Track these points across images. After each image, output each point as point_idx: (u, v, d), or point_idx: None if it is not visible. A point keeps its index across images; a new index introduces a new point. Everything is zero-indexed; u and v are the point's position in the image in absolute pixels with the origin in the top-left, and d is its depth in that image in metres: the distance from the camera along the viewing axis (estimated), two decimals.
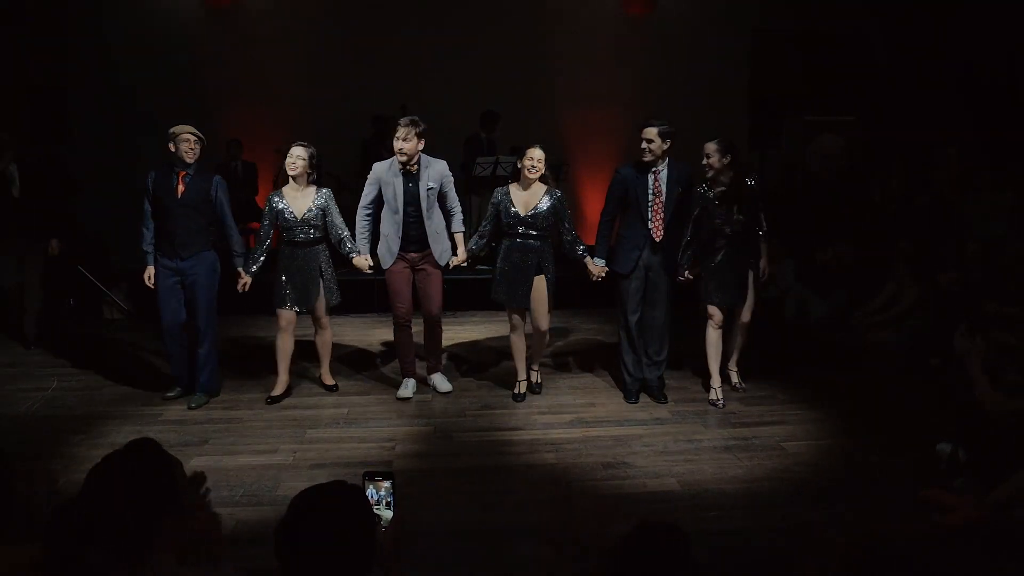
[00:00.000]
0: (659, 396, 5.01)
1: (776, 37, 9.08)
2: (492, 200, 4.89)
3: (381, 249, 4.91)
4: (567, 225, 4.86)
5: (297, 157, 4.79)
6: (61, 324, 6.75)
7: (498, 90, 9.02)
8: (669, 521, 1.83)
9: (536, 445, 4.35)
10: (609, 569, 1.76)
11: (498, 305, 5.08)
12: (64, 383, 5.35)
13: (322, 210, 4.85)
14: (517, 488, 3.83)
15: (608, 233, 5.03)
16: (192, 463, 3.95)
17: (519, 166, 4.79)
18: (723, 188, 4.75)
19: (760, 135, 8.82)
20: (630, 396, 5.03)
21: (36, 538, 1.70)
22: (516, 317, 4.96)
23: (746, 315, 5.01)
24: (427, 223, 4.81)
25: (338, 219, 4.90)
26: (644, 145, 4.69)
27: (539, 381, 5.21)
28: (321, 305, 4.98)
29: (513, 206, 4.78)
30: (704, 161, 4.76)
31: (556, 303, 5.05)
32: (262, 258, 4.89)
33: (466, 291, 7.01)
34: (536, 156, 4.71)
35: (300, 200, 4.84)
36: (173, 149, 4.67)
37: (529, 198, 4.78)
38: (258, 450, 4.27)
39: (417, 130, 4.67)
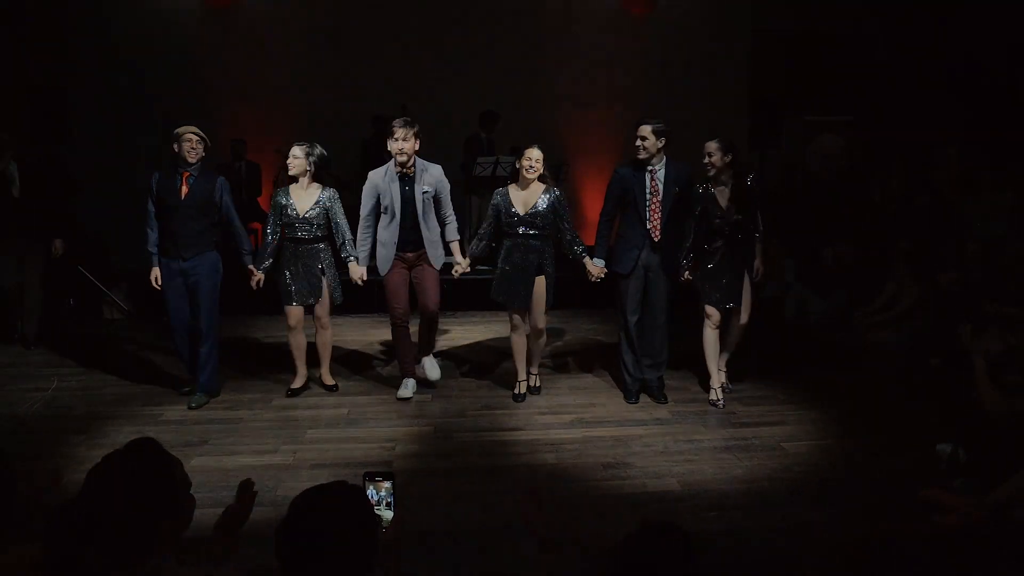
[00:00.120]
0: (659, 396, 5.01)
1: (776, 37, 9.08)
2: (492, 202, 4.90)
3: (379, 256, 4.92)
4: (566, 224, 4.86)
5: (294, 156, 4.87)
6: (61, 324, 6.76)
7: (498, 90, 9.03)
8: (671, 521, 1.83)
9: (536, 445, 4.35)
10: (611, 569, 1.76)
11: (498, 305, 5.08)
12: (64, 383, 5.36)
13: (325, 210, 4.89)
14: (517, 488, 3.82)
15: (607, 233, 5.03)
16: (192, 463, 3.96)
17: (517, 166, 4.80)
18: (723, 187, 4.75)
19: (760, 135, 8.81)
20: (630, 396, 5.03)
21: (36, 538, 1.70)
22: (517, 317, 4.96)
23: (743, 317, 5.01)
24: (423, 228, 4.82)
25: (342, 220, 4.94)
26: (638, 142, 4.71)
27: (538, 384, 5.21)
28: (323, 304, 5.00)
29: (513, 206, 4.78)
30: (706, 159, 4.76)
31: (556, 303, 5.05)
32: (271, 253, 4.96)
33: (466, 291, 7.00)
34: (534, 156, 4.72)
35: (304, 198, 4.90)
36: (176, 149, 4.70)
37: (528, 197, 4.79)
38: (258, 450, 4.27)
39: (414, 130, 4.71)
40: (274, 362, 5.79)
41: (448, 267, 4.99)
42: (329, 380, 5.24)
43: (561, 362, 5.92)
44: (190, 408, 4.84)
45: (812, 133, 8.79)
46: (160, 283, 4.81)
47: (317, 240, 4.93)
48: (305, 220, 4.87)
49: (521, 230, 4.78)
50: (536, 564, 2.13)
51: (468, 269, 4.98)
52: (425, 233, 4.84)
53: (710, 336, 4.96)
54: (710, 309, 4.93)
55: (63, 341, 6.30)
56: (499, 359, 5.89)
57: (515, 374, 5.13)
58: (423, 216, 4.81)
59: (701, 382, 5.23)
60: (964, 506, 3.32)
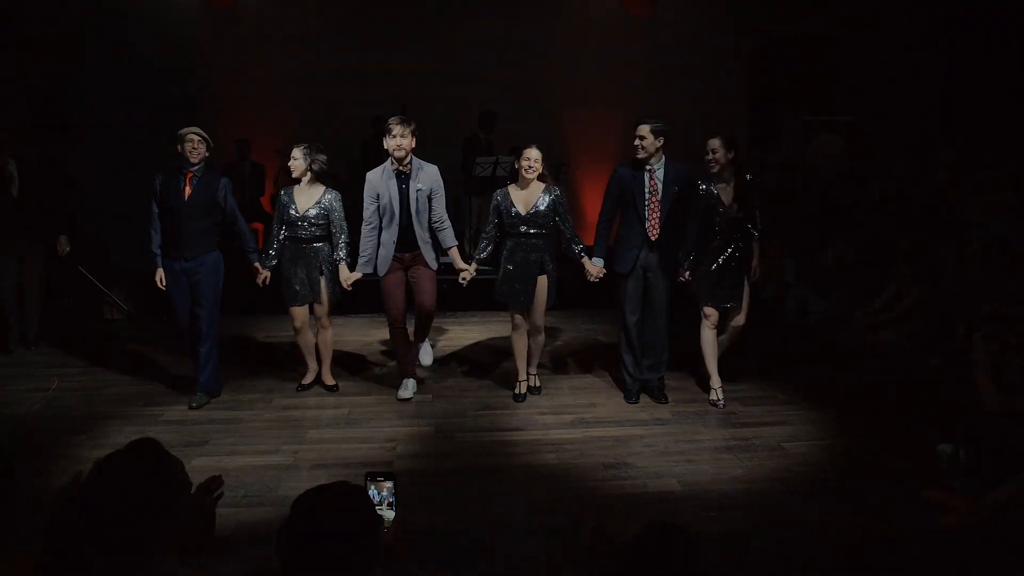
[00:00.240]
0: (659, 396, 5.01)
1: (776, 37, 9.09)
2: (492, 203, 4.90)
3: (379, 256, 4.91)
4: (566, 224, 4.86)
5: (294, 158, 4.94)
6: (61, 324, 6.76)
7: (498, 90, 9.03)
8: (675, 522, 1.83)
9: (537, 445, 4.35)
10: (616, 570, 1.76)
11: (498, 305, 5.08)
12: (64, 383, 5.35)
13: (326, 210, 4.91)
14: (517, 488, 3.83)
15: (606, 233, 5.02)
16: (193, 463, 3.95)
17: (516, 167, 4.81)
18: (726, 184, 4.76)
19: (760, 135, 8.83)
20: (630, 396, 5.03)
21: (36, 538, 1.70)
22: (518, 317, 4.96)
23: (741, 319, 5.01)
24: (416, 227, 4.81)
25: (341, 223, 4.96)
26: (637, 142, 4.71)
27: (538, 384, 5.21)
28: (324, 303, 5.01)
29: (514, 206, 4.79)
30: (709, 157, 4.75)
31: (556, 303, 5.05)
32: (277, 251, 4.99)
33: (466, 291, 6.99)
34: (533, 156, 4.72)
35: (305, 197, 4.94)
36: (179, 150, 4.71)
37: (529, 197, 4.79)
38: (259, 450, 4.27)
39: (411, 128, 4.74)
40: (274, 362, 5.79)
41: (447, 267, 4.99)
42: (330, 380, 5.24)
43: (561, 362, 5.92)
44: (191, 408, 4.84)
45: (812, 133, 8.83)
46: (165, 284, 4.82)
47: (317, 240, 4.95)
48: (305, 219, 4.89)
49: (523, 230, 4.78)
50: (536, 564, 2.13)
51: (474, 274, 4.96)
52: (419, 232, 4.84)
53: (708, 336, 4.96)
54: (708, 309, 4.92)
55: (63, 341, 6.31)
56: (499, 359, 5.89)
57: (515, 374, 5.13)
58: (417, 215, 4.81)
59: (701, 382, 5.23)
60: (964, 506, 3.33)
